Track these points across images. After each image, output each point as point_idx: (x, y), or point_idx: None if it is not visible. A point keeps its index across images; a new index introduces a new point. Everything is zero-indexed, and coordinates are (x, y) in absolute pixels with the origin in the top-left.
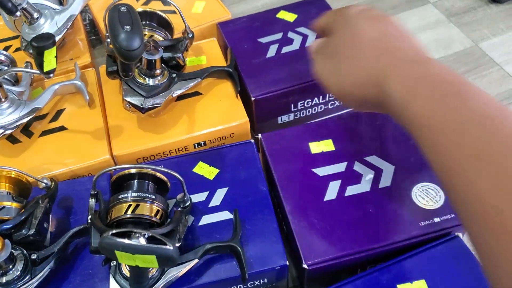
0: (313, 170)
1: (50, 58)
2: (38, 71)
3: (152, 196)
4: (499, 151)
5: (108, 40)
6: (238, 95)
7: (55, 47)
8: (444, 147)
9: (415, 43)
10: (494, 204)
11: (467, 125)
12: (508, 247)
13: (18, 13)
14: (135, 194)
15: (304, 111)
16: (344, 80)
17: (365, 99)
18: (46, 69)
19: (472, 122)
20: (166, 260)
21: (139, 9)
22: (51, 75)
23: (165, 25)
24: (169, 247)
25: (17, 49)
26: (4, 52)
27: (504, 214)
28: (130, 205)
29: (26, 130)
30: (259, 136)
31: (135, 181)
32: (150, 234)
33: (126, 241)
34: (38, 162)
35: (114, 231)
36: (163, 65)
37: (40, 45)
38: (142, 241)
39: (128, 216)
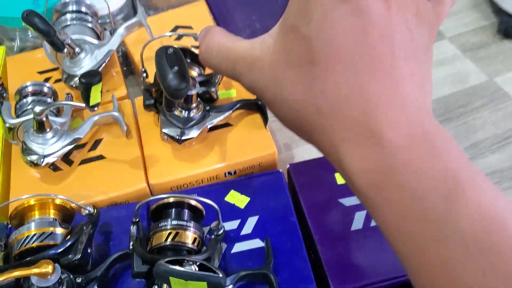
0: (339, 200)
1: (96, 93)
2: (83, 105)
3: (190, 224)
4: None
5: (144, 74)
6: (267, 126)
7: (101, 83)
8: (411, 262)
9: (413, 92)
10: None
11: (432, 249)
12: None
13: (65, 50)
14: (174, 222)
15: None
16: (285, 112)
17: (310, 141)
18: (91, 103)
19: (439, 246)
20: (215, 286)
21: (173, 46)
22: (96, 108)
23: (198, 61)
24: (220, 274)
25: (57, 81)
26: (47, 84)
27: None
28: (170, 233)
29: (66, 158)
30: (287, 166)
31: (174, 209)
32: (200, 263)
33: (181, 268)
34: (78, 189)
35: (168, 259)
36: (198, 98)
37: (88, 81)
38: (195, 268)
39: (168, 243)
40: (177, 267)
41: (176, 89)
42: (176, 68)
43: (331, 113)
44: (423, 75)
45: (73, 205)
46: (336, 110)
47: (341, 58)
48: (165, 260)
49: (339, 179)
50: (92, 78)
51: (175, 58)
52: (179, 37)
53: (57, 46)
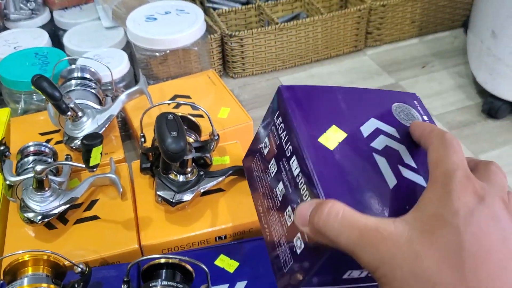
0: None
1: (96, 155)
2: (83, 165)
3: (180, 286)
4: None
5: (142, 139)
6: None
7: (101, 145)
8: None
9: None
10: None
11: None
12: None
13: (69, 113)
14: (164, 283)
15: None
16: None
17: None
18: (91, 164)
19: None
20: None
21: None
22: (95, 169)
23: (195, 128)
24: None
25: (58, 142)
26: (48, 145)
27: None
28: None
29: (62, 217)
30: None
31: (164, 270)
32: None
33: None
34: (71, 248)
35: None
36: (193, 164)
37: (90, 143)
38: None
39: None
40: None
41: (174, 152)
42: (175, 133)
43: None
44: None
45: (66, 262)
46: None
47: (491, 254)
48: None
49: None
50: (94, 140)
51: (175, 124)
52: (177, 106)
53: (62, 109)
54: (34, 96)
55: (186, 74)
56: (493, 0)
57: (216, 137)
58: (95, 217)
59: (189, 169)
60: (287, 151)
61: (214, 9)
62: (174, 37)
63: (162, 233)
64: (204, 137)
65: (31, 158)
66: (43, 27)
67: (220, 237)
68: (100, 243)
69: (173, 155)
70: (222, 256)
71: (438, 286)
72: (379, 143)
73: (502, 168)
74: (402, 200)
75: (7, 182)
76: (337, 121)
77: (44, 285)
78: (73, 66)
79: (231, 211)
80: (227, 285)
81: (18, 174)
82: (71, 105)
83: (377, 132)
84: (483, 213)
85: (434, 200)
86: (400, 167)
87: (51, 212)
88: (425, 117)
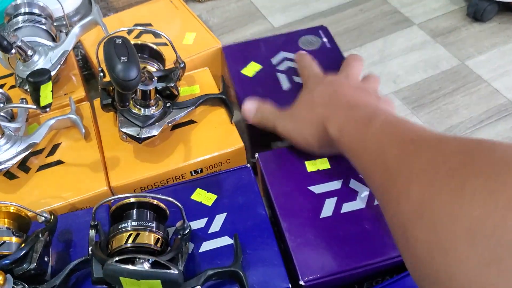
0: (309, 188)
1: (46, 93)
2: (34, 106)
3: (152, 225)
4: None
5: (101, 74)
6: (232, 121)
7: (51, 81)
8: (362, 163)
9: (356, 95)
10: (399, 189)
11: (366, 143)
12: (419, 232)
13: (13, 51)
14: (135, 223)
15: None
16: (303, 134)
17: (321, 145)
18: (42, 103)
19: (368, 139)
20: (171, 284)
21: (131, 42)
22: (48, 109)
23: (157, 57)
24: (174, 271)
25: (12, 87)
26: (0, 90)
27: (411, 198)
28: (130, 234)
29: (23, 165)
30: (256, 156)
31: (134, 210)
32: (154, 260)
33: (131, 267)
34: (36, 197)
35: (117, 258)
36: (157, 95)
37: (36, 80)
38: (147, 266)
39: (129, 245)
40: (128, 266)
41: (126, 80)
42: (124, 58)
43: (323, 107)
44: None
45: (29, 213)
46: (325, 104)
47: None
48: (115, 259)
49: (309, 167)
50: (41, 76)
51: (124, 48)
52: (138, 36)
53: (4, 47)
54: None
55: (147, 0)
56: None
57: (182, 65)
58: (59, 162)
59: (153, 101)
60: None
61: None
62: None
63: (132, 172)
64: (170, 65)
65: None
66: None
67: (196, 171)
68: (67, 188)
69: (125, 83)
70: (198, 190)
71: (305, 122)
72: (283, 65)
73: (491, 72)
74: (293, 94)
75: None
76: (255, 58)
77: (6, 238)
78: (19, 1)
79: (205, 143)
80: (206, 219)
81: None
82: (18, 43)
83: (283, 60)
84: (324, 82)
85: (302, 90)
86: (294, 77)
87: (8, 161)
88: (325, 39)
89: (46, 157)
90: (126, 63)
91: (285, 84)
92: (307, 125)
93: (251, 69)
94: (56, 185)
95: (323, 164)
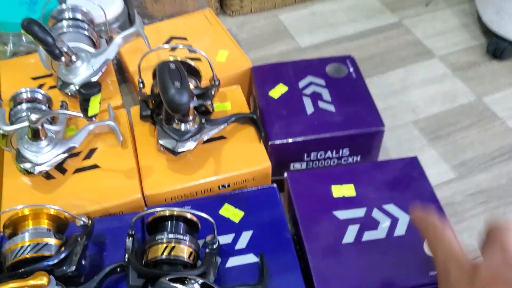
0: (333, 212)
1: (95, 104)
2: (81, 115)
3: (186, 238)
4: None
5: (141, 85)
6: (261, 140)
7: (100, 94)
8: None
9: None
10: None
11: None
12: None
13: (62, 59)
14: (170, 235)
15: (317, 162)
16: None
17: None
18: (90, 113)
19: None
20: None
21: (171, 58)
22: (94, 118)
23: (195, 73)
24: None
25: (51, 87)
26: (42, 91)
27: None
28: (166, 247)
29: (60, 166)
30: (285, 174)
31: (170, 222)
32: (202, 282)
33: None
34: (71, 199)
35: (170, 277)
36: (195, 111)
37: (88, 92)
38: (197, 287)
39: (164, 257)
40: (181, 286)
41: (178, 104)
42: (178, 83)
43: None
44: None
45: (67, 215)
46: None
47: None
48: (168, 278)
49: (335, 192)
50: (92, 89)
51: (177, 73)
52: (172, 49)
53: (55, 55)
54: (24, 38)
55: (182, 12)
56: None
57: (217, 83)
58: (95, 166)
59: (191, 117)
60: None
61: None
62: None
63: (165, 182)
64: (204, 82)
65: (24, 106)
66: None
67: (223, 186)
68: (101, 193)
69: (177, 107)
70: (226, 205)
71: None
72: (309, 90)
73: (507, 110)
74: (316, 119)
75: (1, 132)
76: (282, 80)
77: (46, 239)
78: (64, 6)
79: (234, 159)
80: (233, 235)
81: (12, 123)
82: (64, 49)
83: (309, 84)
84: (480, 278)
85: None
86: (319, 101)
87: (48, 162)
88: (351, 69)
89: (83, 160)
90: (179, 88)
91: (309, 108)
92: None
93: (278, 90)
94: (91, 189)
95: (349, 190)
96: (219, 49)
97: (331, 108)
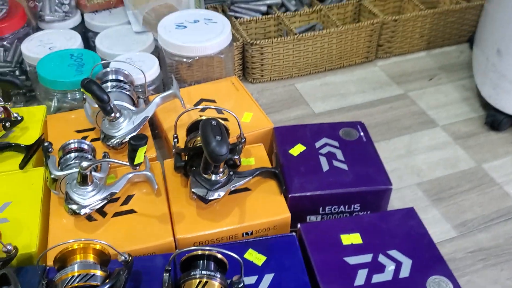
0: (344, 258)
1: (141, 154)
2: (127, 163)
3: (217, 275)
4: None
5: (175, 140)
6: (282, 193)
7: (146, 145)
8: None
9: None
10: None
11: None
12: None
13: (113, 114)
14: (204, 272)
15: (331, 216)
16: None
17: None
18: (136, 162)
19: None
20: None
21: (203, 117)
22: (137, 167)
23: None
24: None
25: (92, 140)
26: (87, 142)
27: None
28: (200, 282)
29: (101, 210)
30: (298, 226)
31: (203, 261)
32: None
33: None
34: (109, 239)
35: None
36: (224, 164)
37: (137, 143)
38: None
39: None
40: None
41: (219, 155)
42: (219, 137)
43: None
44: None
45: (110, 251)
46: None
47: None
48: None
49: (344, 240)
50: (140, 140)
51: (218, 129)
52: (203, 109)
53: (107, 111)
54: (68, 95)
55: (209, 78)
56: (499, 20)
57: (243, 140)
58: (131, 211)
59: (221, 169)
60: None
61: (236, 17)
62: (203, 45)
63: (194, 228)
64: (231, 139)
65: (73, 155)
66: (74, 28)
67: (246, 233)
68: (137, 235)
69: (218, 157)
70: (250, 250)
71: None
72: (325, 150)
73: (504, 176)
74: (332, 176)
75: (52, 176)
76: (301, 140)
77: (94, 270)
78: (108, 69)
79: (257, 209)
80: (256, 276)
81: (61, 169)
82: (111, 106)
83: (325, 145)
84: None
85: None
86: (333, 161)
87: (92, 205)
88: (362, 134)
89: (121, 205)
90: (220, 141)
91: (325, 166)
92: None
93: (297, 149)
94: (128, 231)
95: (356, 239)
96: (244, 111)
97: (344, 166)
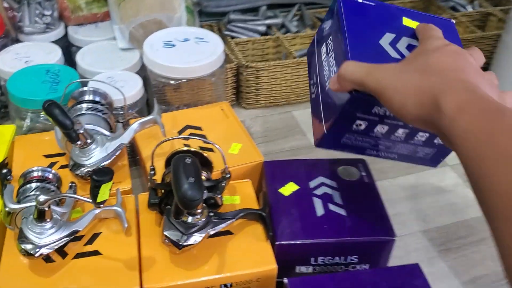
0: None
1: (105, 191)
2: (89, 200)
3: None
4: None
5: (152, 172)
6: (268, 239)
7: (111, 181)
8: (481, 155)
9: (475, 77)
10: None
11: (499, 136)
12: None
13: (78, 142)
14: None
15: (324, 267)
16: (404, 98)
17: (419, 115)
18: (99, 199)
19: (503, 133)
20: None
21: (184, 148)
22: (102, 205)
23: (207, 165)
24: None
25: (62, 166)
26: (52, 171)
27: None
28: None
29: (61, 250)
30: (285, 281)
31: None
32: None
33: None
34: (68, 286)
35: None
36: (204, 204)
37: (100, 179)
38: None
39: None
40: None
41: (191, 200)
42: (192, 179)
43: (439, 76)
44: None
45: None
46: (442, 74)
47: (446, 65)
48: None
49: None
50: (104, 176)
51: (192, 169)
52: (185, 138)
53: (72, 138)
54: (41, 115)
55: (199, 101)
56: None
57: (228, 176)
58: (96, 253)
59: (199, 211)
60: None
61: (232, 37)
62: (192, 66)
63: (165, 276)
64: (215, 173)
65: (33, 185)
66: (56, 42)
67: (225, 285)
68: (99, 282)
69: (189, 203)
70: None
71: (413, 88)
72: (320, 190)
73: None
74: (326, 222)
75: (7, 209)
76: (293, 178)
77: None
78: (85, 88)
79: (239, 257)
80: None
81: (19, 201)
82: (81, 131)
83: (320, 185)
84: (446, 49)
85: (417, 48)
86: (330, 204)
87: (50, 245)
88: (363, 173)
89: (84, 245)
90: (193, 184)
91: (319, 210)
92: (412, 90)
93: (289, 188)
94: (89, 277)
95: None
96: (232, 142)
97: (342, 211)
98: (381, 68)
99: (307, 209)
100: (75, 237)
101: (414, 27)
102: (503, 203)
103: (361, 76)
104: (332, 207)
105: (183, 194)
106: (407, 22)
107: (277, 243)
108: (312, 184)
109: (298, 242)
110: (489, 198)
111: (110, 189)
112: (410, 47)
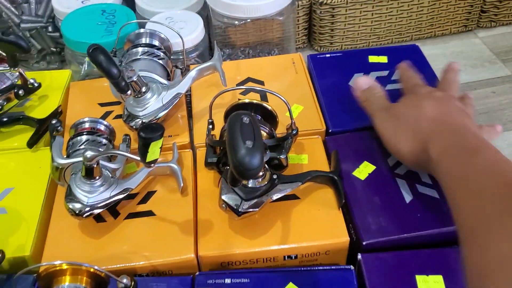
0: None
1: (155, 149)
2: (138, 158)
3: None
4: (494, 191)
5: (210, 126)
6: (340, 207)
7: (162, 139)
8: (456, 193)
9: (463, 119)
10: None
11: (470, 177)
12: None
13: (128, 92)
14: None
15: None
16: (400, 143)
17: (414, 160)
18: (148, 159)
19: (475, 174)
20: None
21: (246, 100)
22: (153, 165)
23: (271, 119)
24: None
25: (117, 116)
26: (105, 122)
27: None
28: None
29: (112, 208)
30: (359, 256)
31: None
32: None
33: None
34: (119, 249)
35: None
36: (266, 166)
37: (148, 136)
38: None
39: None
40: None
41: (247, 169)
42: (250, 142)
43: (428, 124)
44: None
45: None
46: (431, 123)
47: (434, 116)
48: None
49: (421, 285)
50: (153, 133)
51: (251, 130)
52: (245, 92)
53: (121, 87)
54: None
55: (266, 43)
56: None
57: (295, 132)
58: (149, 213)
59: (261, 173)
60: None
61: None
62: (258, 4)
63: (223, 244)
64: (279, 130)
65: (84, 138)
66: None
67: (289, 257)
68: (152, 246)
69: (246, 172)
70: (291, 285)
71: (408, 136)
72: (402, 169)
73: None
74: (418, 209)
75: (54, 164)
76: (368, 158)
77: None
78: (142, 30)
79: (306, 226)
80: None
81: (68, 155)
82: (134, 78)
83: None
84: (432, 96)
85: (405, 98)
86: (417, 185)
87: (100, 205)
88: None
89: (138, 204)
90: (251, 149)
91: (406, 195)
92: (407, 137)
93: (364, 170)
94: (141, 240)
95: (436, 283)
96: (294, 103)
97: (433, 193)
98: (387, 115)
99: (392, 195)
100: (128, 195)
101: (382, 61)
102: (467, 233)
103: (374, 112)
104: (421, 188)
105: (239, 161)
106: (373, 59)
107: (364, 243)
108: (391, 161)
109: (389, 238)
110: (459, 229)
111: (161, 147)
112: (378, 79)
